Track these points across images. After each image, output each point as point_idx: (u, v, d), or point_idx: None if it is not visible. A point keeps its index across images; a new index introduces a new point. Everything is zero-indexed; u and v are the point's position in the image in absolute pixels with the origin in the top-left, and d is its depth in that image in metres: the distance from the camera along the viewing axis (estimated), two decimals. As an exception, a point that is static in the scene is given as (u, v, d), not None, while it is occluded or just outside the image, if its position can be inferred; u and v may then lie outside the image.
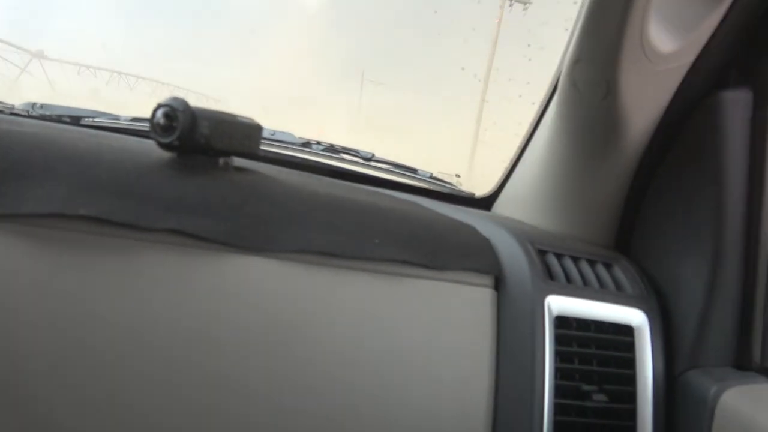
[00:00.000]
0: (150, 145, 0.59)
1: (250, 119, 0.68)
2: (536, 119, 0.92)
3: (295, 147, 1.05)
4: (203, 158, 0.61)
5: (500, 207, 1.03)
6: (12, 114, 0.98)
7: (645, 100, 0.72)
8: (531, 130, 0.93)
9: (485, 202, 1.06)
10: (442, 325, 0.64)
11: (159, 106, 0.57)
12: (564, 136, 0.82)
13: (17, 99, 1.06)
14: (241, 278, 0.56)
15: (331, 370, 0.59)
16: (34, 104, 1.04)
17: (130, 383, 0.52)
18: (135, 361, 0.52)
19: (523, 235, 0.74)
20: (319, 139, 1.10)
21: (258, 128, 0.67)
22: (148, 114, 0.58)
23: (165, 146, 0.57)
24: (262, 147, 0.72)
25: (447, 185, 1.11)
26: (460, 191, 1.10)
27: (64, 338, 0.50)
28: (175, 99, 0.57)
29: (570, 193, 0.84)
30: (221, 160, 0.63)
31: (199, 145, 0.57)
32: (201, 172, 0.59)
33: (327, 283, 0.59)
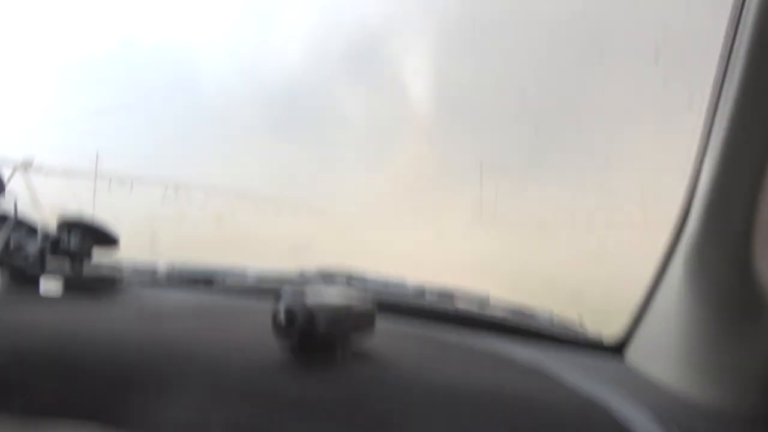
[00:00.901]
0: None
1: (365, 303, 0.69)
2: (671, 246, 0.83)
3: (408, 297, 1.06)
4: (322, 353, 0.62)
5: (636, 356, 0.93)
6: (152, 280, 1.09)
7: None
8: (665, 261, 0.84)
9: (616, 350, 0.96)
10: None
11: (279, 305, 0.60)
12: (698, 296, 0.73)
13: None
14: None
15: None
16: (173, 267, 1.16)
17: None
18: None
19: (672, 419, 0.65)
20: (433, 283, 1.11)
21: (371, 313, 0.69)
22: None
23: (287, 347, 0.60)
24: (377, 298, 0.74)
25: (570, 331, 1.03)
26: (586, 337, 1.02)
27: None
28: (294, 299, 0.59)
29: (724, 352, 0.73)
30: (339, 352, 0.64)
31: (317, 341, 0.60)
32: (321, 369, 0.61)
33: None
